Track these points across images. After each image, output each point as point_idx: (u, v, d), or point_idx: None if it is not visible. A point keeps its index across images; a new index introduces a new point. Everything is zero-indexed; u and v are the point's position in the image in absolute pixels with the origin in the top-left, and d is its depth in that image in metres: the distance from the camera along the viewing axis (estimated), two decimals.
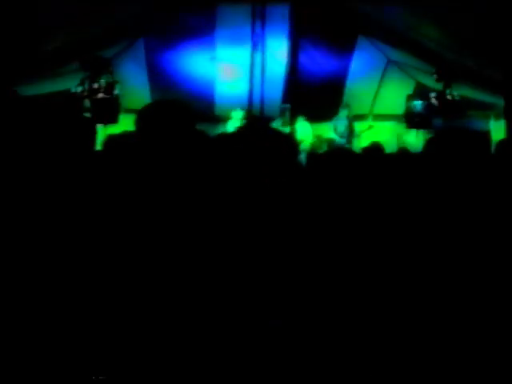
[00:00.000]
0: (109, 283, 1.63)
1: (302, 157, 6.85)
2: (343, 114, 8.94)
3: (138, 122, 1.82)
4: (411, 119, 8.50)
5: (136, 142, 1.80)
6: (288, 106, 8.24)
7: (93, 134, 2.02)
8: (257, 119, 7.67)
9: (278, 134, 2.07)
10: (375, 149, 3.17)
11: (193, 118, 1.84)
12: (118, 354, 1.58)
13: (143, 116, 1.83)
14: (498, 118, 7.75)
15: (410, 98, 8.62)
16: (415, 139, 8.53)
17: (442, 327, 1.84)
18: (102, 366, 1.58)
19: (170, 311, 1.62)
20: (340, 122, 8.93)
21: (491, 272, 1.88)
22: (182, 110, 1.84)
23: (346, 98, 9.44)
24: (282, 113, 8.47)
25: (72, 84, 7.77)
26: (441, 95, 8.04)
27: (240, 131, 2.07)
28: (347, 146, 8.59)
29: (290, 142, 2.14)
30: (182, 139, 1.78)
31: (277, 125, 8.11)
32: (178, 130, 1.79)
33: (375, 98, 9.71)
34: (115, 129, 7.31)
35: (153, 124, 1.78)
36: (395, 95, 9.18)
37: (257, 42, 8.16)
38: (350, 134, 8.90)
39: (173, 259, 1.65)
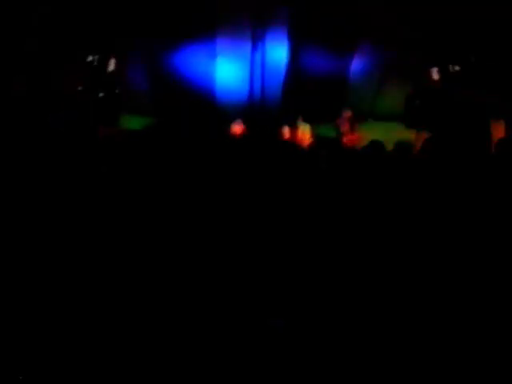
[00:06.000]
0: (111, 280, 1.64)
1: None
2: (346, 114, 8.95)
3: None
4: (411, 119, 8.50)
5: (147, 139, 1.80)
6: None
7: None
8: (260, 126, 7.68)
9: (279, 141, 2.09)
10: (375, 147, 3.18)
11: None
12: (118, 353, 1.59)
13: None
14: (497, 117, 7.74)
15: (410, 98, 8.62)
16: (415, 139, 8.53)
17: (444, 325, 1.84)
18: (102, 364, 1.58)
19: (170, 309, 1.63)
20: (342, 123, 8.94)
21: (492, 268, 1.88)
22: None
23: (347, 99, 9.45)
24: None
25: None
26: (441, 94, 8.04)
27: (243, 138, 2.07)
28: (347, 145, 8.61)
29: (292, 148, 2.15)
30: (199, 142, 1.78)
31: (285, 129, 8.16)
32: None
33: (375, 98, 9.71)
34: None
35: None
36: (395, 95, 9.17)
37: (257, 43, 8.16)
38: (352, 134, 8.92)
39: (175, 258, 1.66)
